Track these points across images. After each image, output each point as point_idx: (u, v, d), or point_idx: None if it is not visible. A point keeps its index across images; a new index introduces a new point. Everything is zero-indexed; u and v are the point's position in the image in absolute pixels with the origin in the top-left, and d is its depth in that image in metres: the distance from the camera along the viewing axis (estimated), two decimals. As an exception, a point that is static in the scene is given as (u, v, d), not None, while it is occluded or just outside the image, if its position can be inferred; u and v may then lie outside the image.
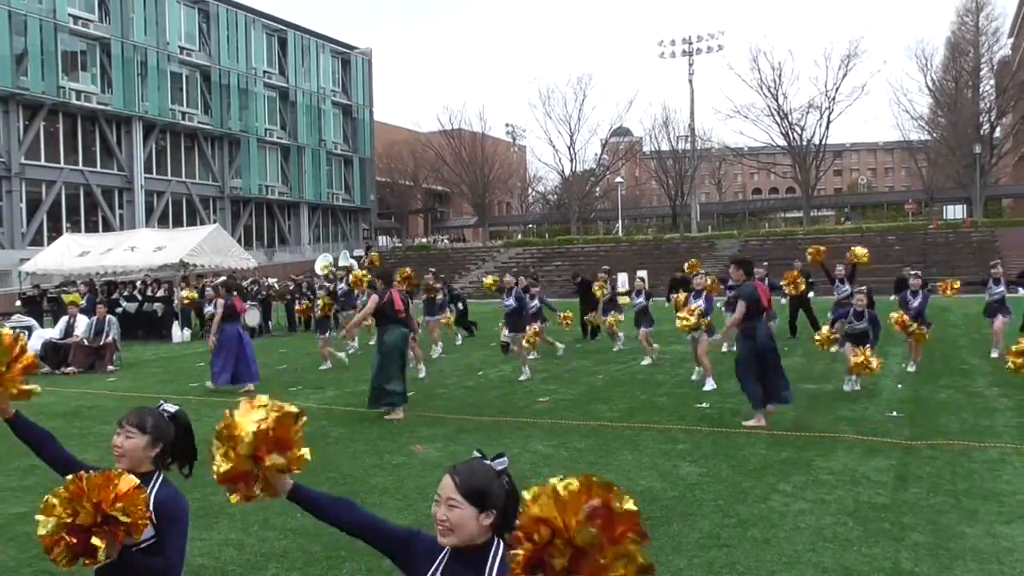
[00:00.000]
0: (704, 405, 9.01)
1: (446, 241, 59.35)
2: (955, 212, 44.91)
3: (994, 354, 11.77)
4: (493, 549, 1.99)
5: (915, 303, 10.69)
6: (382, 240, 55.21)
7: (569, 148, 54.30)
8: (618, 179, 55.89)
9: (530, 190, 68.78)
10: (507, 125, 62.94)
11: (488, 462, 2.08)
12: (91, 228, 35.83)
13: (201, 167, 43.65)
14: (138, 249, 21.80)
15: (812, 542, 4.68)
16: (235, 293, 11.60)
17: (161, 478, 2.66)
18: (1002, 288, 11.78)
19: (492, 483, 2.02)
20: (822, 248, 12.87)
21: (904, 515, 5.13)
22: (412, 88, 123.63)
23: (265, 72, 46.64)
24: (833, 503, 5.40)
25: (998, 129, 47.24)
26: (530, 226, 64.45)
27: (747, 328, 7.74)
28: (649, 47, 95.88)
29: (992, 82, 45.65)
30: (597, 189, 59.52)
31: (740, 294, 7.87)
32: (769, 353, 7.71)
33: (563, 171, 56.44)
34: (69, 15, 35.76)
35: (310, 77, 49.81)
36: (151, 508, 2.53)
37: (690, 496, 5.66)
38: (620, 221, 55.46)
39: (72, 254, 22.53)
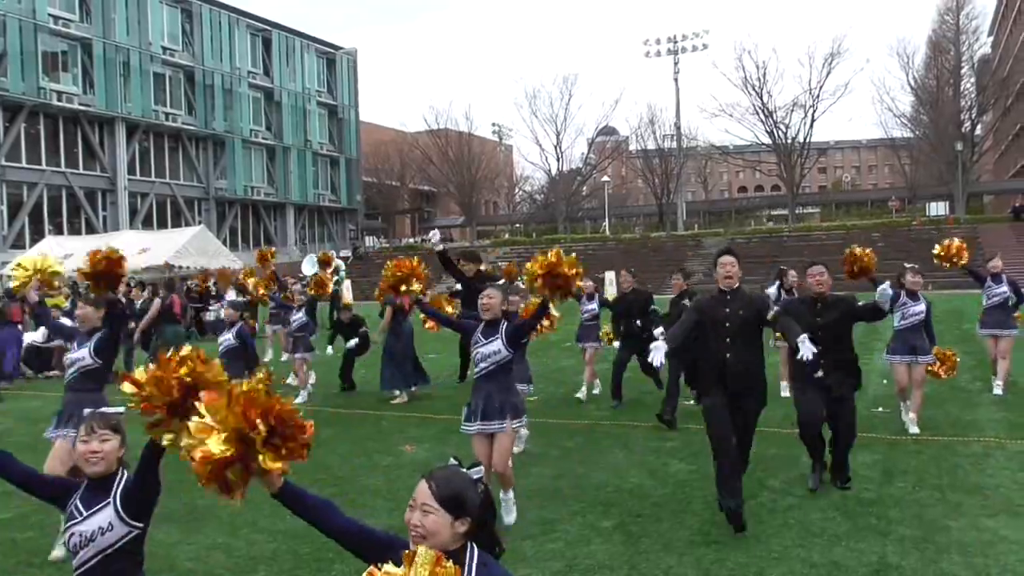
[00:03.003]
0: (692, 403, 9.05)
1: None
2: (937, 209, 45.25)
3: (998, 389, 8.87)
4: (468, 556, 1.98)
5: (917, 307, 7.35)
6: (369, 240, 55.00)
7: (556, 147, 54.35)
8: (604, 178, 55.98)
9: (517, 189, 68.74)
10: (493, 124, 62.98)
11: (464, 470, 2.09)
12: (74, 230, 35.49)
13: (185, 168, 43.33)
14: (122, 251, 21.64)
15: (800, 538, 4.72)
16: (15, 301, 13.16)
17: (127, 474, 2.75)
18: (1005, 288, 8.91)
19: (469, 491, 2.03)
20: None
21: (890, 509, 5.18)
22: (398, 88, 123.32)
23: (249, 72, 46.34)
24: (821, 498, 5.44)
25: (979, 127, 47.74)
26: (517, 225, 64.43)
27: (397, 326, 9.98)
28: (634, 46, 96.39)
29: (973, 80, 46.12)
30: (584, 188, 59.58)
31: (387, 301, 9.67)
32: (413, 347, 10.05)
33: (550, 170, 56.52)
34: (49, 15, 35.37)
35: (295, 77, 49.56)
36: (119, 500, 2.63)
37: (680, 494, 5.69)
38: (607, 220, 55.57)
39: (55, 257, 22.31)
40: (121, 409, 2.91)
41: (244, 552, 4.85)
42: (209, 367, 2.38)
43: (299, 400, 9.75)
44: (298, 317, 10.51)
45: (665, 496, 5.65)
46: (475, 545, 2.03)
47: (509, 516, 5.17)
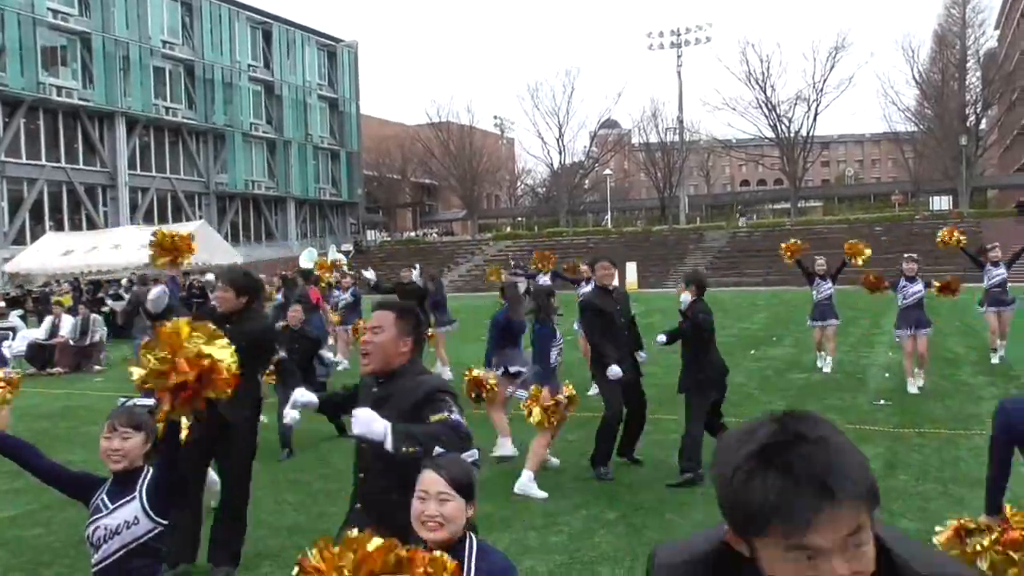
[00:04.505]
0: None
1: (435, 235, 59.20)
2: (941, 203, 45.16)
3: (995, 359, 10.47)
4: (467, 545, 1.98)
5: (914, 288, 9.00)
6: (370, 235, 55.00)
7: (558, 140, 54.31)
8: (607, 171, 55.90)
9: (519, 183, 68.68)
10: (495, 117, 62.86)
11: (459, 455, 2.09)
12: (75, 226, 35.47)
13: (186, 163, 43.30)
14: (123, 247, 21.66)
15: (803, 531, 4.71)
16: None
17: (152, 472, 2.78)
18: (1002, 270, 10.45)
19: (472, 473, 2.05)
20: (798, 243, 10.80)
21: (893, 502, 5.17)
22: (399, 81, 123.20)
23: (250, 66, 46.25)
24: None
25: (984, 121, 47.56)
26: (519, 219, 64.38)
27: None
28: (637, 39, 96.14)
29: (978, 74, 45.93)
30: (586, 182, 59.52)
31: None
32: None
33: (552, 164, 56.47)
34: (48, 9, 35.29)
35: (296, 70, 49.46)
36: (145, 495, 2.70)
37: (683, 486, 5.68)
38: (609, 213, 55.51)
39: (56, 253, 22.34)
40: (151, 401, 2.92)
41: (249, 548, 4.84)
42: (202, 330, 2.53)
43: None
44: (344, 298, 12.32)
45: (668, 488, 5.64)
46: (474, 535, 2.02)
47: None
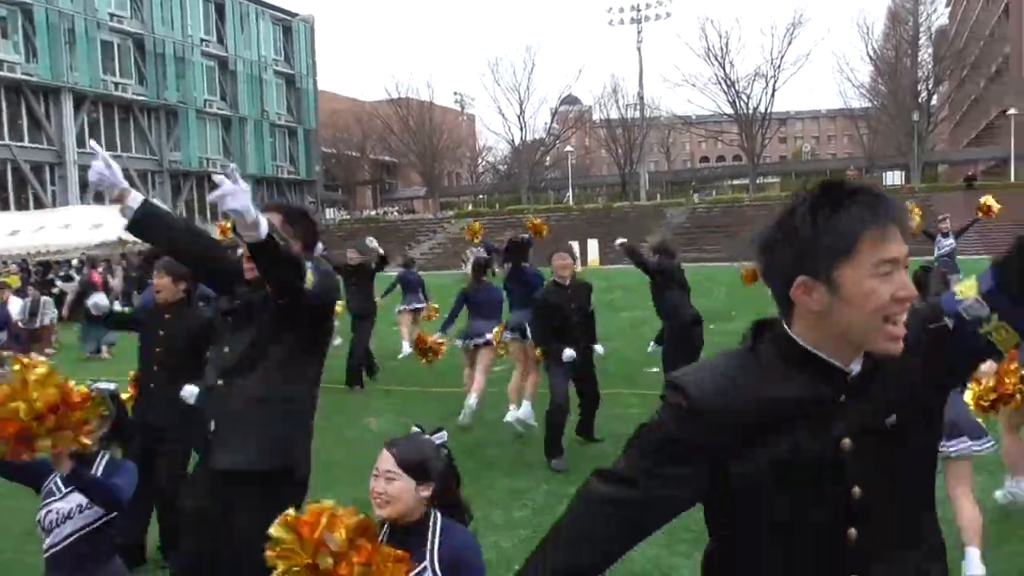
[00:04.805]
0: (655, 370, 9.15)
1: (396, 213, 58.65)
2: (894, 178, 46.27)
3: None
4: (431, 523, 2.02)
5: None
6: (329, 213, 54.23)
7: (519, 117, 54.04)
8: (568, 148, 55.91)
9: (480, 160, 68.30)
10: (455, 93, 62.15)
11: (427, 436, 2.12)
12: (21, 206, 34.31)
13: (138, 140, 42.04)
14: (73, 227, 21.03)
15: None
16: None
17: (108, 456, 2.74)
18: (951, 241, 11.33)
19: (431, 456, 2.07)
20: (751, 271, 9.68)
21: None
22: (357, 56, 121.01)
23: (202, 40, 44.92)
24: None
25: (935, 97, 48.65)
26: (480, 196, 64.13)
27: None
28: (598, 15, 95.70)
29: (930, 50, 46.87)
30: (547, 158, 59.43)
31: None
32: None
33: (513, 140, 56.23)
34: (-13, -21, 33.80)
35: (250, 45, 48.19)
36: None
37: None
38: (570, 190, 55.61)
39: (2, 233, 21.60)
40: (112, 385, 2.86)
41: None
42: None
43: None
44: None
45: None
46: (439, 512, 2.05)
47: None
